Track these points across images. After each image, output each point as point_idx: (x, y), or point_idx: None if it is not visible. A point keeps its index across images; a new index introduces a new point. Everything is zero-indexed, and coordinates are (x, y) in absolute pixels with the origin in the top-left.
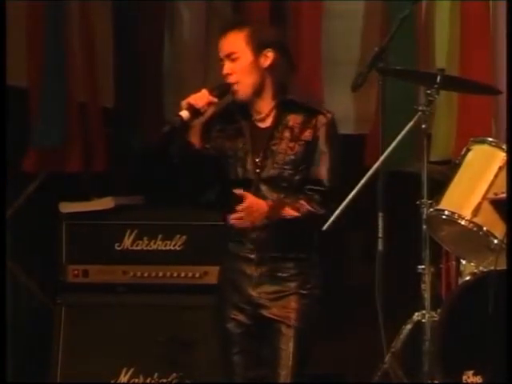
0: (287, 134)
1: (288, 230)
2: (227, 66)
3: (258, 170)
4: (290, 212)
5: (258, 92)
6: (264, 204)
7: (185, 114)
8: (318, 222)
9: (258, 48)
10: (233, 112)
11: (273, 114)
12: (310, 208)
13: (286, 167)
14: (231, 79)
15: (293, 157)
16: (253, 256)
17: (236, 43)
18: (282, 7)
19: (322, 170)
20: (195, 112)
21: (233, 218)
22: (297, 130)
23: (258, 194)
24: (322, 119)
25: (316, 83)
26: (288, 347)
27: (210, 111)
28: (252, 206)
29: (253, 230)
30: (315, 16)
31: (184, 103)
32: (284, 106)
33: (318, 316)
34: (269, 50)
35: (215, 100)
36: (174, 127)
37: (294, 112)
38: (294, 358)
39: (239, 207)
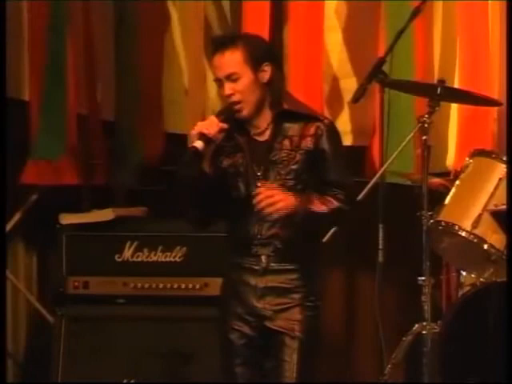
0: (287, 143)
1: (316, 225)
2: (229, 87)
3: (259, 184)
4: (318, 206)
5: (260, 107)
6: (291, 195)
7: (199, 144)
8: (344, 218)
9: (256, 64)
10: (229, 129)
11: (271, 127)
12: (337, 203)
13: (288, 177)
14: (234, 99)
15: (294, 166)
16: (257, 267)
17: (234, 63)
18: (280, 21)
19: (338, 175)
20: (208, 141)
21: (260, 200)
22: (296, 139)
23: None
24: (321, 126)
25: (316, 95)
26: (292, 359)
27: (221, 137)
28: (278, 193)
29: (278, 221)
30: (315, 29)
31: (195, 133)
32: (281, 117)
33: (322, 328)
34: (266, 64)
35: (225, 126)
36: (190, 157)
37: (292, 121)
38: (298, 370)
39: (265, 192)
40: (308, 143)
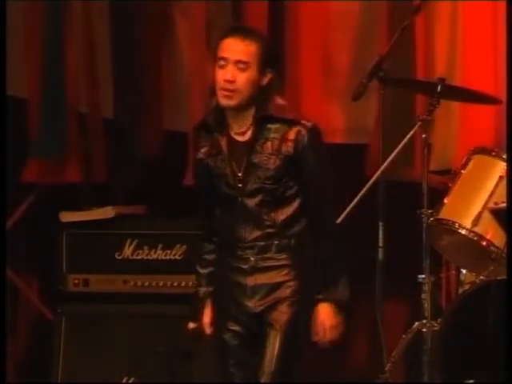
0: (267, 147)
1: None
2: (232, 73)
3: (240, 185)
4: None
5: (247, 105)
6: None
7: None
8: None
9: (263, 66)
10: (211, 127)
11: (252, 128)
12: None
13: (267, 182)
14: (230, 87)
15: (273, 172)
16: (245, 266)
17: (250, 53)
18: (281, 18)
19: (319, 202)
20: None
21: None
22: (277, 143)
23: (243, 208)
24: (302, 131)
25: (315, 93)
26: (274, 349)
27: None
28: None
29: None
30: (314, 27)
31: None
32: (263, 121)
33: (306, 324)
34: (269, 70)
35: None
36: None
37: (274, 124)
38: (277, 360)
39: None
40: (288, 148)
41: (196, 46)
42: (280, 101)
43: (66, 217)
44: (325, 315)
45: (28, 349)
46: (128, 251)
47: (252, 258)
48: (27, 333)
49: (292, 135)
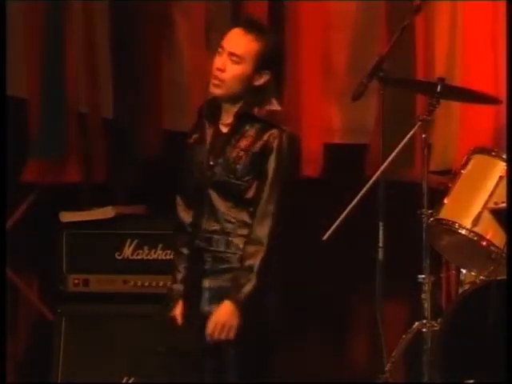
0: (241, 142)
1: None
2: (224, 62)
3: (209, 174)
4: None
5: (235, 99)
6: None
7: None
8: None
9: (260, 66)
10: (204, 114)
11: (233, 122)
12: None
13: (231, 176)
14: (219, 75)
15: (240, 167)
16: (203, 267)
17: (247, 49)
18: (281, 18)
19: (261, 206)
20: None
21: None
22: (250, 140)
23: (207, 199)
24: (274, 134)
25: (315, 93)
26: (235, 369)
27: None
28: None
29: None
30: (314, 27)
31: None
32: (244, 118)
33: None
34: (267, 71)
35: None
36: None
37: (253, 123)
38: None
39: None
40: (257, 146)
41: (196, 46)
42: (275, 105)
43: (66, 217)
44: (220, 312)
45: (28, 349)
46: (128, 251)
47: (209, 259)
48: (27, 333)
49: (265, 136)
